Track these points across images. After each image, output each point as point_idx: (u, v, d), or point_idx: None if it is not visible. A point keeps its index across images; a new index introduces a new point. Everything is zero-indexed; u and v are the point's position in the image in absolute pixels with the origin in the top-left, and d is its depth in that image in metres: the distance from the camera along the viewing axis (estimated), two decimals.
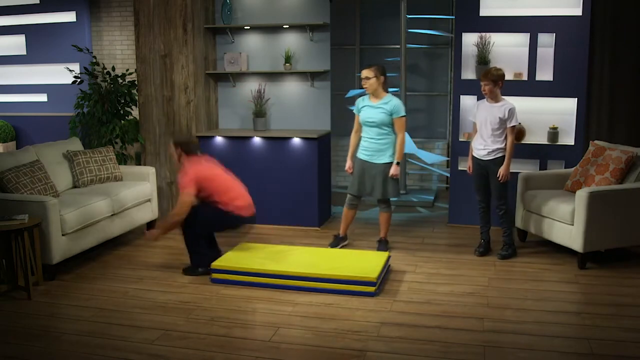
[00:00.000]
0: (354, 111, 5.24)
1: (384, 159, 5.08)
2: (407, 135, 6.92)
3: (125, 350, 3.55)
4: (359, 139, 5.24)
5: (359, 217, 6.28)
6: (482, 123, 5.03)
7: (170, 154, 5.06)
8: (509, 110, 4.90)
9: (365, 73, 5.03)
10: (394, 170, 5.05)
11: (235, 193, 4.80)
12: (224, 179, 4.83)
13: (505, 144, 4.97)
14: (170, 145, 4.94)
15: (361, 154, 5.20)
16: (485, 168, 5.08)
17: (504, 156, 4.97)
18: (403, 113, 5.04)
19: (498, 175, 4.97)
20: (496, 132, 4.96)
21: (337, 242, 5.41)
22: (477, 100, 5.41)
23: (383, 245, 5.33)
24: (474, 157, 5.17)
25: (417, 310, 4.08)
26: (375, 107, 5.05)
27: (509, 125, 4.92)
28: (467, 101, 5.99)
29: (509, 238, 5.16)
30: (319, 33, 6.22)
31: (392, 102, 5.03)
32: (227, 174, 4.88)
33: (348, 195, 5.33)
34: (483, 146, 5.04)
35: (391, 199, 5.32)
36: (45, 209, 4.58)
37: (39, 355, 3.54)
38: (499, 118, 4.91)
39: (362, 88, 5.23)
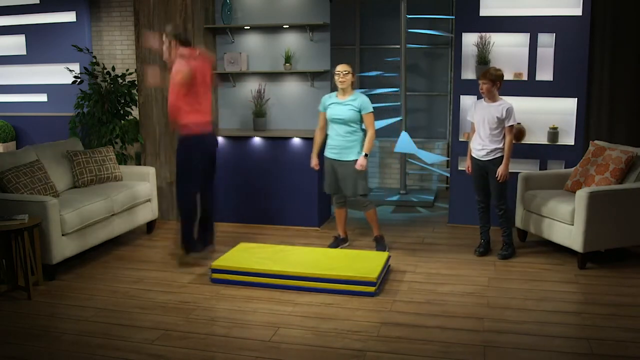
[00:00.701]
0: (319, 108, 5.23)
1: (352, 156, 5.05)
2: (406, 135, 6.99)
3: (125, 350, 3.56)
4: (324, 136, 5.24)
5: (359, 217, 6.28)
6: (480, 123, 5.02)
7: (163, 49, 4.80)
8: (507, 109, 4.90)
9: (347, 68, 5.02)
10: (361, 160, 5.00)
11: (198, 105, 4.82)
12: (196, 89, 4.79)
13: (504, 144, 4.97)
14: (164, 38, 4.73)
15: (329, 153, 5.17)
16: (484, 168, 5.08)
17: (502, 156, 4.97)
18: (371, 109, 5.04)
19: (497, 175, 4.97)
20: (494, 132, 4.96)
21: (337, 243, 5.41)
22: (477, 100, 5.41)
23: (380, 243, 5.32)
24: (472, 157, 5.17)
25: (417, 310, 4.08)
26: (343, 104, 5.04)
27: (507, 124, 4.92)
28: (467, 101, 5.98)
29: (508, 238, 5.15)
30: (319, 33, 6.22)
31: (360, 99, 5.03)
32: (203, 81, 4.84)
33: (332, 196, 5.34)
34: (481, 146, 5.04)
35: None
36: (45, 209, 4.58)
37: (39, 355, 3.54)
38: (497, 118, 4.91)
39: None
